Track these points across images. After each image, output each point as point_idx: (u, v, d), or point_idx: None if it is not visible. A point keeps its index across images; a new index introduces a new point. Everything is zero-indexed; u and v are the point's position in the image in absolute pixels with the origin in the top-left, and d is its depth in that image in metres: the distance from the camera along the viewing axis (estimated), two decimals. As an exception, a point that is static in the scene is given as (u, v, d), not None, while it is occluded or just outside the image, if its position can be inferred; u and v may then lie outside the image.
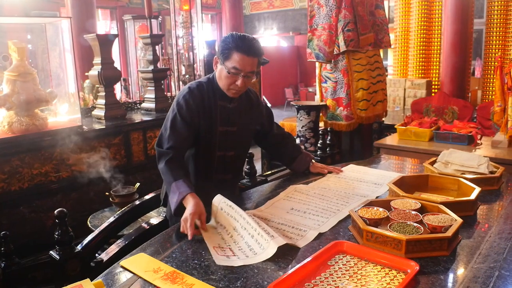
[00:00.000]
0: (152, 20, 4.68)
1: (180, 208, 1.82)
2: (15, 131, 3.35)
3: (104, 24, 12.06)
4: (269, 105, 14.07)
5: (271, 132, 2.40)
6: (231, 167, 2.21)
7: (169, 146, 1.96)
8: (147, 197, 2.51)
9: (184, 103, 2.01)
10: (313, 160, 2.47)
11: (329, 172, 2.44)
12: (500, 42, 6.40)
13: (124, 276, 1.40)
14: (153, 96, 4.63)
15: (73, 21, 4.38)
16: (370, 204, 1.75)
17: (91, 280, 1.30)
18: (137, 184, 3.30)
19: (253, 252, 1.51)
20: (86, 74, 4.64)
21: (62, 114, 3.99)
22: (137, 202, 2.50)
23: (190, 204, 1.77)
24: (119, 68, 4.33)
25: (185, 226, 1.69)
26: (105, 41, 4.06)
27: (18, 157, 3.33)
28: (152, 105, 4.61)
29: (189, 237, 1.64)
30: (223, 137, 2.10)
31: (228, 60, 1.92)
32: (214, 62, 2.04)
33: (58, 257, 1.97)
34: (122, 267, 1.44)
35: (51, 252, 2.01)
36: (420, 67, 7.09)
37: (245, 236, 1.61)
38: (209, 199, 1.94)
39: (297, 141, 4.81)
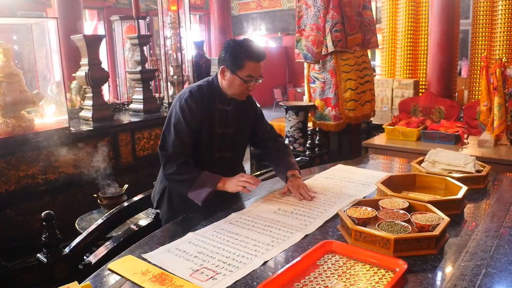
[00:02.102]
0: (139, 20, 4.66)
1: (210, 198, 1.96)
2: (1, 133, 3.31)
3: (91, 25, 11.96)
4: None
5: (261, 129, 2.40)
6: (229, 168, 2.22)
7: (176, 151, 2.03)
8: (135, 198, 2.50)
9: (187, 107, 2.04)
10: (293, 174, 2.19)
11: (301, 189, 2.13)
12: (486, 42, 6.46)
13: (112, 279, 1.39)
14: (141, 97, 4.60)
15: (60, 21, 4.33)
16: (359, 203, 1.76)
17: (79, 283, 1.29)
18: (126, 186, 3.28)
19: (236, 266, 1.42)
20: (73, 75, 4.60)
21: (49, 115, 3.95)
22: (126, 204, 2.48)
23: (229, 180, 1.99)
24: (106, 69, 4.30)
25: (245, 179, 1.95)
26: (92, 42, 4.03)
27: (4, 159, 3.29)
28: (140, 106, 4.59)
29: (256, 185, 1.96)
30: (221, 139, 2.14)
31: (242, 70, 1.99)
32: (220, 72, 2.06)
33: (45, 260, 1.95)
34: (110, 270, 1.43)
35: (38, 255, 1.99)
36: (408, 67, 7.14)
37: (226, 253, 1.52)
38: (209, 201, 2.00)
39: (286, 141, 4.82)
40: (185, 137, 2.04)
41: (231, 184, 1.97)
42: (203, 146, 2.12)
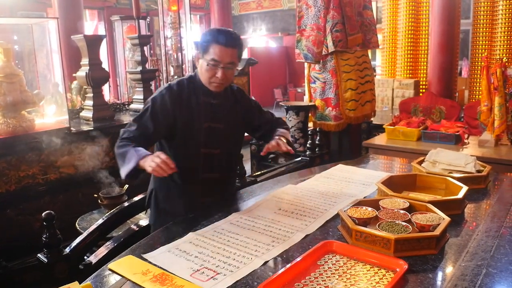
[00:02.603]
0: (140, 20, 4.66)
1: (135, 172, 1.82)
2: (1, 133, 3.31)
3: (91, 25, 11.97)
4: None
5: (263, 122, 2.30)
6: (218, 166, 2.14)
7: (128, 130, 1.98)
8: (136, 198, 2.50)
9: (160, 98, 2.01)
10: (281, 138, 2.07)
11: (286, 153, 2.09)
12: (487, 42, 6.46)
13: (113, 279, 1.39)
14: (141, 97, 4.60)
15: (60, 21, 4.33)
16: (359, 203, 1.76)
17: (80, 283, 1.29)
18: (126, 186, 3.28)
19: (236, 267, 1.42)
20: (74, 75, 4.60)
21: (50, 115, 3.95)
22: (126, 204, 2.49)
23: (150, 156, 1.79)
24: (107, 69, 4.30)
25: (158, 162, 1.72)
26: (93, 42, 4.03)
27: (5, 159, 3.30)
28: (140, 106, 4.58)
29: (171, 168, 1.74)
30: (208, 134, 2.06)
31: (207, 53, 1.94)
32: (196, 59, 2.07)
33: (46, 260, 1.95)
34: (110, 270, 1.43)
35: (39, 255, 1.99)
36: (408, 68, 7.14)
37: (226, 253, 1.52)
38: (195, 201, 1.97)
39: (287, 141, 4.81)
40: (145, 126, 1.97)
41: (146, 163, 1.79)
42: (188, 141, 2.04)
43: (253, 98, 2.40)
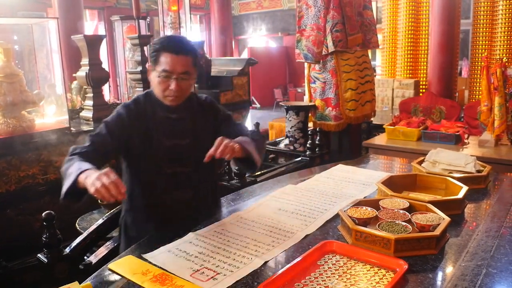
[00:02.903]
0: (140, 20, 4.66)
1: (77, 191, 1.58)
2: (1, 133, 3.31)
3: (91, 25, 11.97)
4: (257, 105, 13.85)
5: (234, 134, 1.92)
6: (189, 184, 1.94)
7: (79, 151, 1.74)
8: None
9: (116, 115, 1.86)
10: (240, 144, 1.74)
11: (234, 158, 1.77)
12: (487, 42, 6.47)
13: (113, 279, 1.39)
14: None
15: (60, 21, 4.34)
16: (359, 203, 1.76)
17: (80, 283, 1.29)
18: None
19: (236, 267, 1.42)
20: (74, 75, 4.60)
21: (50, 115, 3.95)
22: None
23: (95, 173, 1.50)
24: (107, 69, 4.30)
25: (105, 182, 1.42)
26: (93, 42, 4.03)
27: (5, 159, 3.30)
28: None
29: (120, 193, 1.43)
30: (171, 152, 1.87)
31: (158, 64, 1.79)
32: (147, 73, 1.89)
33: (46, 260, 1.95)
34: (110, 270, 1.43)
35: (39, 255, 1.99)
36: (408, 68, 7.14)
37: (226, 253, 1.51)
38: (166, 226, 1.84)
39: (286, 141, 4.82)
40: (98, 140, 1.80)
41: (88, 180, 1.49)
42: (148, 160, 1.87)
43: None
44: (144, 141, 1.85)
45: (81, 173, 1.55)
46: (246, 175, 3.37)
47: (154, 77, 1.82)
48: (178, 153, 1.89)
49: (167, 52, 1.77)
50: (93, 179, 1.46)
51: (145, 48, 4.66)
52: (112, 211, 2.42)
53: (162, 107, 1.87)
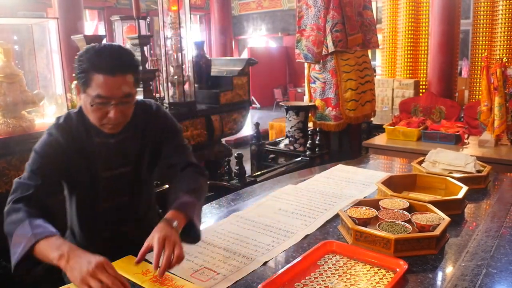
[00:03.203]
0: (140, 21, 4.65)
1: (28, 260, 1.26)
2: (1, 133, 3.31)
3: (91, 25, 11.97)
4: (257, 105, 13.79)
5: (166, 152, 1.66)
6: (131, 216, 1.68)
7: (24, 195, 1.45)
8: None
9: (51, 140, 1.51)
10: (169, 219, 1.36)
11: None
12: (487, 42, 6.47)
13: (113, 279, 1.38)
14: (141, 97, 4.59)
15: (60, 21, 4.33)
16: (359, 203, 1.76)
17: (80, 283, 1.29)
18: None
19: (236, 267, 1.43)
20: (74, 75, 4.60)
21: (50, 115, 3.95)
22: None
23: (73, 253, 1.20)
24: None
25: (107, 281, 1.13)
26: (93, 42, 4.01)
27: (5, 159, 3.29)
28: (140, 106, 4.58)
29: None
30: (109, 183, 1.58)
31: (89, 87, 1.39)
32: (76, 91, 1.53)
33: (46, 260, 1.94)
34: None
35: (39, 255, 1.99)
36: (408, 68, 7.14)
37: (226, 253, 1.52)
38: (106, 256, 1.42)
39: (286, 141, 4.82)
40: (40, 173, 1.47)
41: (74, 274, 1.16)
42: (86, 191, 1.58)
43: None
44: (81, 169, 1.54)
45: (37, 241, 1.23)
46: (246, 175, 3.37)
47: (85, 102, 1.44)
48: (120, 183, 1.60)
49: (99, 73, 1.37)
50: (82, 273, 1.13)
51: (145, 48, 4.66)
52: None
53: (99, 132, 1.51)
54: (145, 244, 1.29)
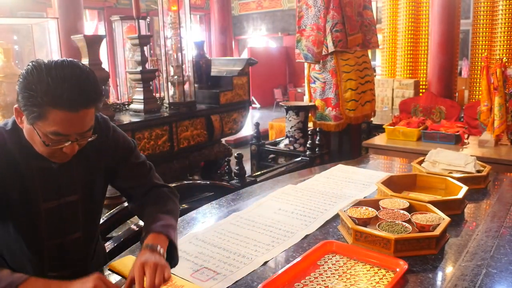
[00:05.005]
0: (140, 20, 4.66)
1: None
2: (1, 133, 3.31)
3: (91, 25, 11.97)
4: (257, 105, 13.77)
5: (124, 173, 1.49)
6: (78, 256, 1.44)
7: None
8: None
9: None
10: (152, 245, 1.26)
11: None
12: (486, 42, 6.47)
13: (113, 279, 1.39)
14: (141, 97, 4.60)
15: (60, 21, 4.34)
16: (359, 203, 1.76)
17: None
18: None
19: (236, 267, 1.43)
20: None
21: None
22: (126, 204, 2.48)
23: (64, 286, 1.11)
24: (107, 69, 4.30)
25: None
26: (93, 42, 4.03)
27: (5, 159, 3.29)
28: (140, 106, 4.58)
29: None
30: (53, 215, 1.33)
31: (42, 120, 1.15)
32: (15, 113, 1.24)
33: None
34: (110, 269, 1.43)
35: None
36: (408, 68, 7.15)
37: (226, 253, 1.52)
38: None
39: (286, 141, 4.82)
40: None
41: None
42: (22, 228, 1.30)
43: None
44: (17, 202, 1.27)
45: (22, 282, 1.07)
46: (246, 175, 3.37)
47: (32, 134, 1.20)
48: (65, 216, 1.36)
49: (59, 110, 1.13)
50: None
51: (145, 48, 4.67)
52: (112, 211, 2.42)
53: (38, 155, 1.26)
54: (128, 277, 1.18)
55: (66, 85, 1.13)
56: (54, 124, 1.15)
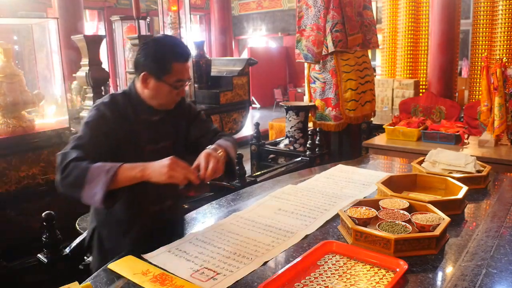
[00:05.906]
0: (140, 21, 4.66)
1: (111, 197, 1.50)
2: (1, 133, 3.31)
3: (91, 25, 11.97)
4: (257, 105, 13.79)
5: (196, 129, 1.94)
6: (168, 192, 1.85)
7: (74, 150, 1.57)
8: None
9: (99, 115, 1.67)
10: (214, 149, 1.66)
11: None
12: (486, 42, 6.47)
13: (113, 279, 1.39)
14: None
15: (60, 21, 4.34)
16: (359, 203, 1.76)
17: (80, 283, 1.29)
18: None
19: (236, 267, 1.43)
20: (74, 75, 4.60)
21: (50, 115, 3.95)
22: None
23: (148, 164, 1.52)
24: (107, 69, 4.31)
25: (180, 171, 1.49)
26: (93, 42, 4.03)
27: (5, 159, 3.29)
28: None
29: (196, 181, 1.51)
30: (152, 157, 1.61)
31: (169, 74, 1.67)
32: (141, 80, 1.69)
33: (46, 260, 1.95)
34: (110, 270, 1.43)
35: (39, 255, 1.99)
36: (408, 68, 7.15)
37: (226, 253, 1.52)
38: (144, 238, 1.72)
39: (286, 141, 4.82)
40: (88, 144, 1.60)
41: (159, 173, 1.49)
42: None
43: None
44: (126, 145, 1.70)
45: (118, 168, 1.48)
46: (246, 175, 3.37)
47: (160, 87, 1.69)
48: (161, 157, 1.60)
49: (178, 61, 1.68)
50: (164, 169, 1.48)
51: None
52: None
53: (144, 109, 1.74)
54: (195, 164, 1.57)
55: (180, 45, 1.74)
56: (178, 74, 1.68)
